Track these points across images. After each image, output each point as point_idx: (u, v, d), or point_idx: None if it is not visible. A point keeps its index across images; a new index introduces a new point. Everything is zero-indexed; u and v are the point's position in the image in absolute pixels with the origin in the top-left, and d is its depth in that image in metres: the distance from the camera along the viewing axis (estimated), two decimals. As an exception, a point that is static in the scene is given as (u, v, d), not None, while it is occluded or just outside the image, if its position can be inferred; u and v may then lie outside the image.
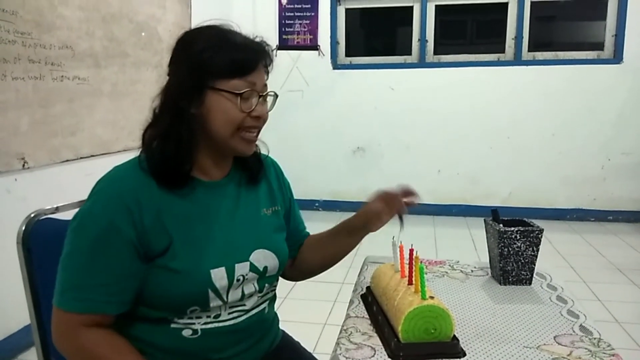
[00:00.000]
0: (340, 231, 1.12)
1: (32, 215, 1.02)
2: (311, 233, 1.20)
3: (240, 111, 0.90)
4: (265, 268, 0.97)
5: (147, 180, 0.88)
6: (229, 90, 0.89)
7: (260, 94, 0.93)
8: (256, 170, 1.04)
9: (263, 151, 1.08)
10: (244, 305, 0.95)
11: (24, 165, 2.20)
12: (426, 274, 1.19)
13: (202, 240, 0.90)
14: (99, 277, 0.84)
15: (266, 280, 0.98)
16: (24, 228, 1.00)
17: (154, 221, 0.86)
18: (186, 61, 0.90)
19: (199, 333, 0.91)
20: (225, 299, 0.91)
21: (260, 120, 0.94)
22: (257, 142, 1.04)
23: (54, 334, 0.86)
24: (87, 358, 0.85)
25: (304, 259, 1.15)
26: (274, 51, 4.98)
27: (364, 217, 1.08)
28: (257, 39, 0.94)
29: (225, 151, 0.96)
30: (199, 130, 0.91)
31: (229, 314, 0.93)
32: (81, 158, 2.55)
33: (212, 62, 0.88)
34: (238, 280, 0.92)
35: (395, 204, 1.07)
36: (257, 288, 0.96)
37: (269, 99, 0.97)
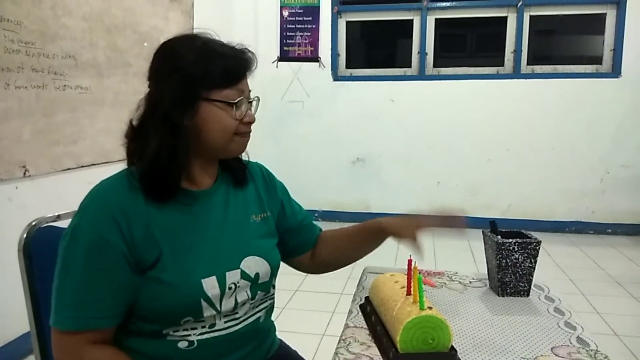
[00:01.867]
0: (359, 231, 1.14)
1: (33, 223, 1.03)
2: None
3: (234, 119, 0.92)
4: (257, 275, 0.97)
5: (135, 192, 0.88)
6: (222, 100, 0.90)
7: (248, 99, 0.95)
8: (241, 173, 1.05)
9: (244, 157, 1.08)
10: (237, 313, 0.95)
11: (25, 174, 2.21)
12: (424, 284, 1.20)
13: (191, 250, 0.90)
14: (92, 293, 0.84)
15: (259, 287, 0.98)
16: (24, 236, 1.00)
17: (143, 233, 0.86)
18: (176, 73, 0.89)
19: (195, 344, 0.90)
20: (218, 308, 0.91)
21: (251, 124, 0.97)
22: None
23: (55, 355, 0.86)
24: None
25: (320, 254, 1.17)
26: (275, 62, 4.98)
27: (378, 227, 1.10)
28: (239, 47, 0.95)
29: (219, 156, 0.98)
30: (192, 140, 0.91)
31: (225, 322, 0.93)
32: (82, 167, 2.56)
33: (204, 74, 0.89)
34: (230, 288, 0.92)
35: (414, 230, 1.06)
36: (250, 295, 0.96)
37: (254, 103, 0.99)
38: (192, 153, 0.93)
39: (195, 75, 0.89)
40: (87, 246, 0.83)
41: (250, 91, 0.97)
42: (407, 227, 1.06)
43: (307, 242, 1.16)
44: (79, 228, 0.85)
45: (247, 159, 1.08)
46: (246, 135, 0.96)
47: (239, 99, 0.91)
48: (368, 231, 1.13)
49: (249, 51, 0.96)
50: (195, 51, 0.91)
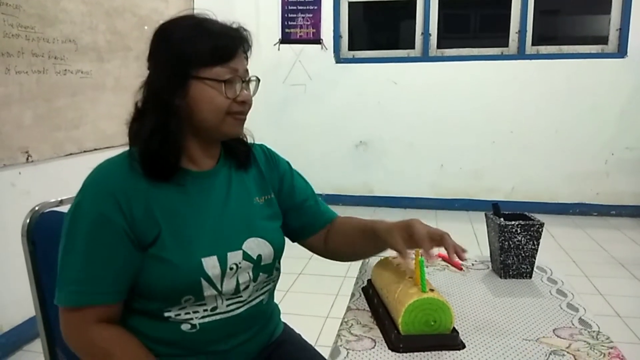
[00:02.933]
0: (365, 235, 1.07)
1: (36, 208, 1.03)
2: None
3: (225, 98, 0.90)
4: (260, 256, 0.97)
5: (135, 172, 0.89)
6: (212, 78, 0.89)
7: (243, 79, 0.93)
8: (244, 155, 1.04)
9: (249, 140, 1.07)
10: (241, 296, 0.96)
11: (27, 159, 2.22)
12: (427, 267, 1.20)
13: (192, 230, 0.91)
14: (95, 269, 0.85)
15: (261, 268, 0.98)
16: (28, 221, 1.01)
17: (143, 212, 0.87)
18: (166, 53, 0.91)
19: (198, 327, 0.91)
20: (219, 288, 0.91)
21: (246, 104, 0.95)
22: (244, 132, 1.04)
23: (63, 333, 0.87)
24: (98, 354, 0.86)
25: (333, 241, 1.12)
26: (276, 45, 4.92)
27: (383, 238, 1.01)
28: (235, 25, 0.95)
29: (215, 137, 0.97)
30: (186, 120, 0.92)
31: (227, 306, 0.94)
32: (85, 151, 2.56)
33: (193, 52, 0.89)
34: (231, 268, 0.92)
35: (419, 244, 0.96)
36: (252, 277, 0.97)
37: (252, 84, 0.97)
38: (189, 133, 0.93)
39: (184, 54, 0.89)
40: (89, 223, 0.85)
41: (246, 70, 0.95)
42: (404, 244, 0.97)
43: (313, 224, 1.13)
44: (80, 206, 0.86)
45: (251, 141, 1.07)
46: (241, 115, 0.94)
47: (229, 77, 0.90)
48: (377, 238, 1.03)
49: (244, 30, 0.95)
50: (186, 30, 0.91)
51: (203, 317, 0.92)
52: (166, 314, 0.90)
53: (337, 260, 1.16)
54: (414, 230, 0.95)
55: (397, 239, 0.96)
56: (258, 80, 0.99)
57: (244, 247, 0.95)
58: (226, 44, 0.91)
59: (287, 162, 1.16)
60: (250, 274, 0.96)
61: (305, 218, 1.13)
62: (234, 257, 0.93)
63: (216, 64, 0.89)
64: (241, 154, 1.04)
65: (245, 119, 0.97)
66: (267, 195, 1.06)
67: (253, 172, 1.06)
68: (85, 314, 0.85)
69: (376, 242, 1.03)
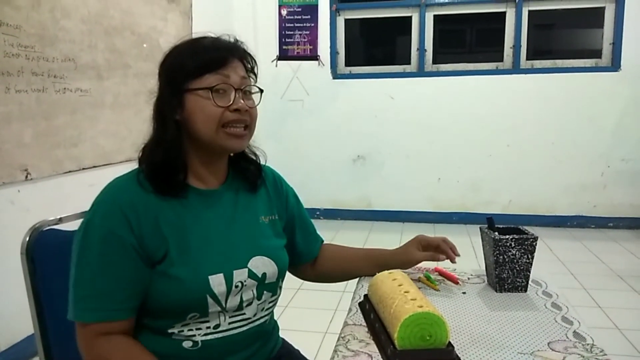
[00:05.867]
0: (369, 258, 1.20)
1: (36, 226, 1.04)
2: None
3: (216, 106, 0.91)
4: (264, 275, 0.99)
5: (145, 189, 0.90)
6: (203, 87, 0.91)
7: (238, 87, 0.93)
8: (255, 178, 1.06)
9: (261, 160, 1.09)
10: (244, 313, 0.96)
11: (27, 177, 2.23)
12: (419, 287, 1.21)
13: (199, 247, 0.92)
14: (106, 285, 0.86)
15: (265, 287, 0.99)
16: (27, 239, 1.01)
17: (152, 228, 0.88)
18: (164, 72, 0.95)
19: (199, 345, 0.92)
20: (224, 305, 0.92)
21: (242, 113, 0.93)
22: (257, 152, 1.06)
23: (79, 347, 0.88)
24: None
25: (322, 265, 1.21)
26: (274, 62, 4.97)
27: (401, 262, 1.18)
28: (228, 38, 0.97)
29: (215, 151, 0.96)
30: (186, 135, 0.94)
31: (229, 324, 0.94)
32: (84, 169, 2.58)
33: (184, 66, 0.91)
34: (237, 286, 0.93)
35: (437, 251, 1.21)
36: (256, 294, 0.97)
37: (256, 96, 0.98)
38: (191, 149, 0.95)
39: (175, 69, 0.92)
40: (99, 240, 0.86)
41: (244, 79, 0.95)
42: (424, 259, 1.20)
43: (311, 252, 1.19)
44: (91, 223, 0.88)
45: (263, 162, 1.09)
46: (237, 125, 0.93)
47: (219, 84, 0.91)
48: (378, 264, 1.17)
49: (237, 40, 0.98)
50: (180, 48, 0.95)
51: (206, 334, 0.92)
52: (169, 330, 0.91)
53: (319, 281, 1.26)
54: (427, 239, 1.19)
55: (417, 255, 1.18)
56: (261, 91, 0.99)
57: (249, 265, 0.96)
58: (215, 54, 0.93)
59: (293, 190, 1.19)
60: (254, 291, 0.97)
61: (305, 247, 1.17)
62: (240, 275, 0.94)
63: (205, 73, 0.91)
64: (251, 175, 1.05)
65: (245, 132, 0.96)
66: (272, 216, 1.07)
67: (261, 193, 1.08)
68: (98, 329, 0.86)
69: (383, 265, 1.15)
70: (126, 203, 0.88)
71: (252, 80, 0.98)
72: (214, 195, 0.98)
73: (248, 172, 1.05)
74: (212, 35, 0.97)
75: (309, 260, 1.19)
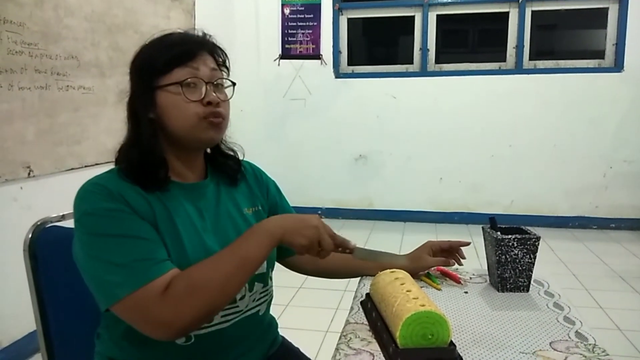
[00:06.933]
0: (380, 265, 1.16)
1: (38, 223, 1.04)
2: None
3: (188, 101, 0.90)
4: None
5: (129, 184, 0.89)
6: (172, 82, 0.90)
7: (209, 80, 0.93)
8: (235, 172, 1.06)
9: (239, 156, 1.09)
10: (237, 306, 0.96)
11: (29, 174, 2.23)
12: (422, 286, 1.21)
13: (185, 239, 0.91)
14: (136, 247, 0.82)
15: (255, 277, 0.99)
16: (30, 236, 1.02)
17: (146, 210, 0.87)
18: (135, 70, 0.94)
19: (193, 340, 0.91)
20: None
21: (215, 105, 0.92)
22: (234, 148, 1.06)
23: (158, 324, 0.79)
24: (192, 294, 0.80)
25: (326, 261, 1.13)
26: (277, 60, 4.96)
27: (414, 268, 1.20)
28: (196, 32, 0.96)
29: (192, 146, 0.96)
30: (161, 132, 0.93)
31: (222, 317, 0.94)
32: (86, 166, 2.58)
33: (152, 62, 0.91)
34: None
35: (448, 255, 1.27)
36: (247, 286, 0.97)
37: (229, 90, 0.98)
38: (167, 145, 0.94)
39: (144, 67, 0.92)
40: (103, 219, 0.83)
41: (215, 71, 0.94)
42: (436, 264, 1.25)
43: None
44: (85, 214, 0.84)
45: (241, 157, 1.09)
46: (212, 118, 0.92)
47: (188, 77, 0.90)
48: (385, 267, 1.13)
49: (205, 34, 0.97)
50: (148, 46, 0.94)
51: (199, 328, 0.91)
52: None
53: (319, 276, 1.23)
54: (438, 243, 1.26)
55: (429, 260, 1.23)
56: (233, 84, 0.99)
57: None
58: (185, 46, 0.92)
59: (274, 182, 1.18)
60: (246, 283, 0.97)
61: None
62: None
63: (173, 67, 0.90)
64: (230, 169, 1.05)
65: (219, 124, 0.94)
66: (255, 207, 1.08)
67: (242, 186, 1.08)
68: (158, 287, 0.80)
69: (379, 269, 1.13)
70: (114, 188, 0.86)
71: (223, 73, 0.98)
72: (197, 189, 0.98)
73: (226, 167, 1.05)
74: (180, 30, 0.97)
75: (294, 253, 1.15)
